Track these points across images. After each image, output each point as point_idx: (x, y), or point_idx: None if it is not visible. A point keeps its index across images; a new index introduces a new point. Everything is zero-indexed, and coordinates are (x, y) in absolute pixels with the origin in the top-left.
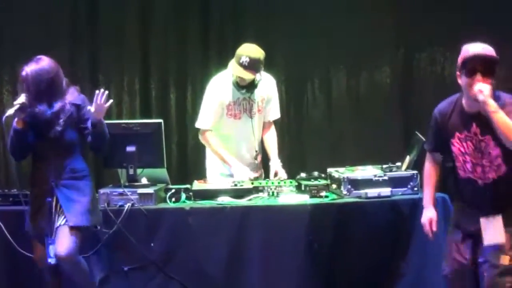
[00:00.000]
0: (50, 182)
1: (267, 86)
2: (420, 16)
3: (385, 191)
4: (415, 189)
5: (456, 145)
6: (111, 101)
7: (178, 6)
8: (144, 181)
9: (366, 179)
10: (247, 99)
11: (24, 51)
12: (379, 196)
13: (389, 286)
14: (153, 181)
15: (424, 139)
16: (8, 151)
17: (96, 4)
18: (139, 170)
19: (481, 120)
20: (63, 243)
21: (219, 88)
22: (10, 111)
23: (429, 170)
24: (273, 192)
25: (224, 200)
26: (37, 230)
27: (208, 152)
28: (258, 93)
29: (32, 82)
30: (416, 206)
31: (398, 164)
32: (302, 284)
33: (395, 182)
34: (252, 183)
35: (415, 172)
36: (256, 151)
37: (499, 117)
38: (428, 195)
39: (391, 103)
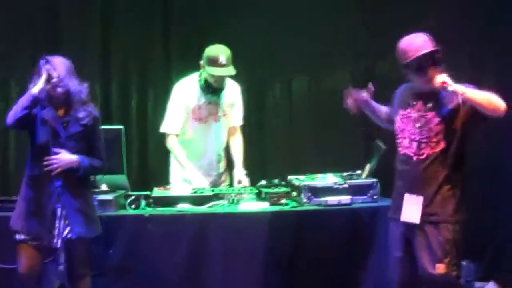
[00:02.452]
0: (56, 186)
1: (233, 92)
2: (381, 23)
3: (345, 199)
4: (375, 197)
5: (398, 123)
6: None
7: (139, 11)
8: (104, 187)
9: (326, 187)
10: (213, 103)
11: None
12: (339, 204)
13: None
14: (113, 188)
15: (384, 147)
16: (6, 121)
17: (57, 8)
18: (99, 177)
19: (427, 98)
20: (76, 257)
21: (184, 92)
22: (38, 84)
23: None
24: (233, 200)
25: (184, 207)
26: (36, 235)
27: (172, 157)
28: (224, 98)
29: (59, 64)
30: (375, 214)
31: (358, 172)
32: None
33: (355, 190)
34: (213, 190)
35: (375, 180)
36: (219, 155)
37: (472, 93)
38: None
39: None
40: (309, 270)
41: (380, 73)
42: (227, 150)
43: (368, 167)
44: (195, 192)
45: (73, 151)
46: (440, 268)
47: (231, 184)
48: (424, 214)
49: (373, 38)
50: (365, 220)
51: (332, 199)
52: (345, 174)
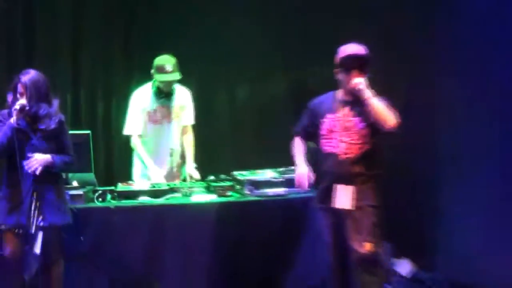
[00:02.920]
0: (31, 183)
1: (183, 96)
2: (313, 38)
3: (281, 190)
4: (308, 188)
5: (326, 124)
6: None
7: (105, 31)
8: (75, 183)
9: (265, 180)
10: (165, 107)
11: None
12: (275, 195)
13: (282, 277)
14: (82, 184)
15: (314, 147)
16: None
17: (33, 27)
18: (70, 175)
19: (353, 106)
20: (50, 243)
21: (141, 98)
22: (15, 114)
23: (299, 141)
24: (186, 192)
25: (144, 200)
26: (17, 225)
27: (135, 156)
28: (175, 102)
29: (33, 87)
30: (307, 204)
31: (292, 168)
32: (209, 271)
33: (289, 183)
34: (168, 185)
35: None
36: (172, 149)
37: (374, 101)
38: (299, 156)
39: (287, 115)
40: (250, 253)
41: (312, 85)
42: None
43: None
44: (153, 187)
45: (45, 151)
46: (367, 246)
47: (184, 178)
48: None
49: (304, 52)
50: (298, 209)
51: (270, 191)
52: (281, 169)
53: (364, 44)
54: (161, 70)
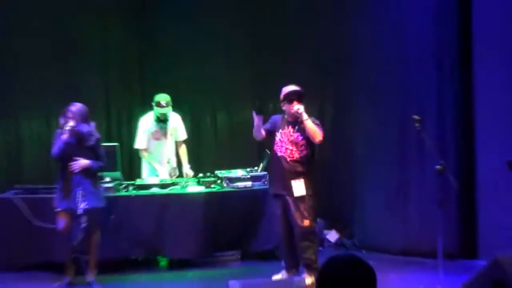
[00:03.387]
0: (78, 179)
1: (175, 120)
2: (270, 76)
3: (248, 184)
4: (265, 183)
5: (278, 136)
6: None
7: (126, 77)
8: (107, 179)
9: (237, 177)
10: (163, 129)
11: None
12: (245, 187)
13: (248, 242)
14: (112, 179)
15: (269, 153)
16: (52, 152)
17: (78, 72)
18: (104, 173)
19: (293, 125)
20: (91, 219)
21: (146, 122)
22: (65, 132)
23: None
24: (183, 185)
25: (155, 190)
26: (68, 207)
27: (143, 162)
28: (169, 124)
29: (79, 114)
30: (266, 193)
31: (256, 168)
32: (198, 238)
33: (254, 179)
34: (171, 180)
35: (265, 173)
36: (169, 159)
37: (308, 122)
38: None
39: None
40: (227, 226)
41: (268, 109)
42: (178, 156)
43: (261, 165)
44: (161, 181)
45: (86, 158)
46: (306, 222)
47: (181, 175)
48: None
49: (264, 87)
50: (259, 196)
51: (241, 184)
52: (248, 169)
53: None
54: (158, 105)
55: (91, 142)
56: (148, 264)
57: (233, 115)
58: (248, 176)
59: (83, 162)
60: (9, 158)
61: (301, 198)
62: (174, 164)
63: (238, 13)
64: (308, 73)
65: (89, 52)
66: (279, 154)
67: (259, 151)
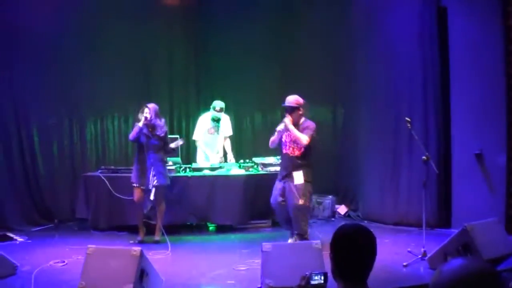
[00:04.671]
0: (150, 162)
1: (225, 120)
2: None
3: (278, 168)
4: None
5: (284, 138)
6: (181, 142)
7: (184, 83)
8: (170, 163)
9: (269, 162)
10: (216, 126)
11: None
12: (275, 171)
13: (268, 211)
14: (174, 163)
15: None
16: (129, 137)
17: (149, 81)
18: (168, 158)
19: (297, 128)
20: (159, 193)
21: (204, 120)
22: (141, 121)
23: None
24: (228, 168)
25: (206, 172)
26: (142, 183)
27: (199, 150)
28: (221, 123)
29: (153, 110)
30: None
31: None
32: (238, 209)
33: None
34: (219, 164)
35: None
36: (218, 149)
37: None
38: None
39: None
40: (261, 202)
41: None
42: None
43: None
44: (211, 165)
45: (157, 146)
46: (301, 201)
47: (226, 161)
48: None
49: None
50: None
51: (272, 168)
52: (278, 157)
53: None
54: (214, 109)
55: (161, 134)
56: (200, 229)
57: (267, 115)
58: (278, 162)
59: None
60: (97, 145)
61: (299, 184)
62: (222, 153)
63: (273, 36)
64: (323, 85)
65: (158, 63)
66: (284, 151)
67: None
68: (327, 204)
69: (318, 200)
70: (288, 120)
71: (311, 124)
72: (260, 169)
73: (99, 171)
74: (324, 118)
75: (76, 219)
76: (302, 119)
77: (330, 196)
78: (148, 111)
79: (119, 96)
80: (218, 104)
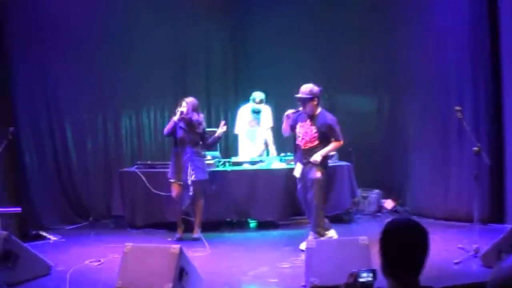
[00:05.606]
0: (187, 156)
1: (266, 111)
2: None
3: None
4: (336, 160)
5: (298, 128)
6: (225, 127)
7: (222, 76)
8: (209, 157)
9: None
10: (257, 118)
11: None
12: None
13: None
14: (212, 157)
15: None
16: (163, 131)
17: (185, 75)
18: (206, 152)
19: (311, 119)
20: (197, 189)
21: (244, 113)
22: (177, 115)
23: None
24: (269, 162)
25: (246, 166)
26: (179, 179)
27: (240, 144)
28: (262, 115)
29: (191, 104)
30: (335, 168)
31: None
32: (280, 203)
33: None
34: (260, 158)
35: (334, 153)
36: (259, 142)
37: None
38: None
39: None
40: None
41: (338, 101)
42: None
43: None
44: (251, 159)
45: (193, 139)
46: (317, 174)
47: (268, 154)
48: (310, 163)
49: (334, 84)
50: (329, 171)
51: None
52: None
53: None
54: (254, 101)
55: (199, 130)
56: (240, 225)
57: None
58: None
59: None
60: (133, 140)
61: (313, 180)
62: (263, 145)
63: (314, 26)
64: (367, 74)
65: (194, 55)
66: (298, 142)
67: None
68: (373, 198)
69: (364, 194)
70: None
71: (331, 120)
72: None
73: (135, 166)
74: (368, 108)
75: (112, 217)
76: (319, 110)
77: (376, 190)
78: (185, 105)
79: (155, 89)
80: (258, 95)
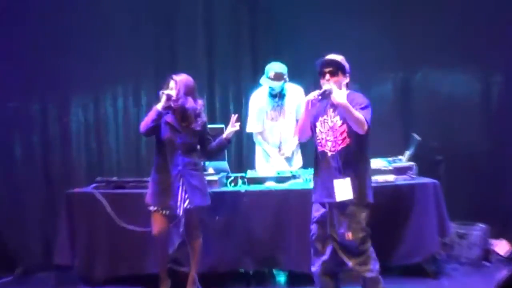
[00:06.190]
0: (178, 171)
1: (295, 93)
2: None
3: (390, 178)
4: (413, 176)
5: (318, 126)
6: (238, 125)
7: (233, 47)
8: (210, 170)
9: (376, 168)
10: (279, 106)
11: None
12: (386, 182)
13: (390, 253)
14: (217, 171)
15: (419, 139)
16: (140, 127)
17: (175, 41)
18: (207, 162)
19: (334, 106)
20: (193, 222)
21: (259, 99)
22: (161, 102)
23: None
24: (307, 179)
25: (270, 185)
26: (164, 206)
27: (257, 150)
28: (288, 100)
29: (183, 84)
30: (413, 189)
31: (400, 157)
32: None
33: (398, 171)
34: (291, 172)
35: (413, 163)
36: (285, 140)
37: (346, 108)
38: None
39: (395, 110)
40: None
41: (415, 80)
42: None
43: (407, 153)
44: (278, 174)
45: (190, 146)
46: (349, 236)
47: (306, 166)
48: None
49: (409, 54)
50: (405, 193)
51: (381, 178)
52: (390, 158)
53: None
54: (266, 75)
55: (197, 126)
56: (260, 279)
57: (368, 89)
58: (390, 168)
59: None
60: (89, 144)
61: (344, 204)
62: (292, 148)
63: None
64: (465, 45)
65: (188, 10)
66: (319, 149)
67: (405, 134)
68: (476, 238)
69: (460, 231)
70: (332, 85)
71: (362, 98)
72: None
73: (93, 185)
74: (466, 94)
75: (54, 267)
76: (347, 92)
77: (480, 225)
78: (174, 86)
79: (125, 63)
80: (274, 67)
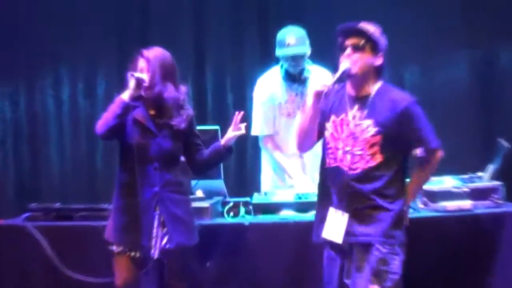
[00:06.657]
0: (154, 193)
1: (321, 79)
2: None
3: (466, 204)
4: (499, 201)
5: (330, 130)
6: (243, 127)
7: (231, 17)
8: (199, 193)
9: (444, 191)
10: (299, 95)
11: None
12: (458, 210)
13: None
14: (209, 194)
15: (508, 146)
16: (96, 127)
17: (148, 10)
18: (193, 182)
19: (363, 103)
20: (174, 269)
21: (268, 88)
22: (129, 89)
23: None
24: None
25: (287, 215)
26: (134, 245)
27: (264, 163)
28: (312, 88)
29: (158, 63)
30: (500, 222)
31: (480, 174)
32: None
33: (476, 194)
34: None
35: (499, 183)
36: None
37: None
38: None
39: (470, 105)
40: (421, 284)
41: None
42: None
43: (491, 168)
44: (299, 198)
45: (171, 153)
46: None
47: None
48: (352, 234)
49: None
50: (488, 228)
51: (451, 205)
52: (465, 176)
53: None
54: (282, 43)
55: (181, 123)
56: None
57: (423, 76)
58: (466, 190)
59: None
60: (19, 155)
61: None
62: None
63: None
64: None
65: None
66: (332, 163)
67: (487, 140)
68: None
69: None
70: (348, 64)
71: (411, 102)
72: (420, 205)
73: (25, 215)
74: None
75: None
76: (377, 84)
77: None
78: (145, 66)
79: (77, 39)
80: (288, 31)
